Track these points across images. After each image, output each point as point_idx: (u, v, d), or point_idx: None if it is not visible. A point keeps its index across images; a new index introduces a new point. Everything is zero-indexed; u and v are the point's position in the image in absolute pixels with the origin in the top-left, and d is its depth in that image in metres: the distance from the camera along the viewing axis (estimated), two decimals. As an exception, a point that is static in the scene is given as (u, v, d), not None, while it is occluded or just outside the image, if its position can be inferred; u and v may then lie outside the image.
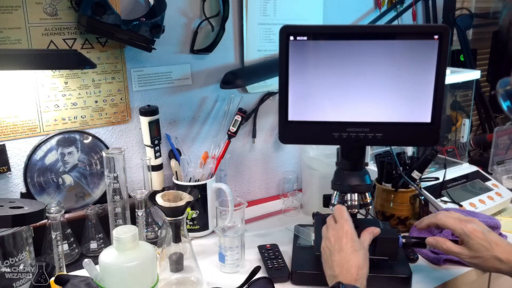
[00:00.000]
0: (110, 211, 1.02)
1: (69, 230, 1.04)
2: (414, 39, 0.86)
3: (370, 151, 1.31)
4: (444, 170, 1.24)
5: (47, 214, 0.91)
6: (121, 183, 1.00)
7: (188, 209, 1.09)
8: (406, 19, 1.63)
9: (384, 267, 0.93)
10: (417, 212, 1.15)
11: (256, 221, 1.28)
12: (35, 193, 1.07)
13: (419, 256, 1.04)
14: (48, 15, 1.02)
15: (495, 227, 1.06)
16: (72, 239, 1.05)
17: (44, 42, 1.02)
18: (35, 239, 0.92)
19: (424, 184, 1.21)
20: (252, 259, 1.04)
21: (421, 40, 0.85)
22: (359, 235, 0.86)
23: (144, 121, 1.14)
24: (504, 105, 0.53)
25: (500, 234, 1.08)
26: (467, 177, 1.33)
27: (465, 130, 1.42)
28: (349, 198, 0.96)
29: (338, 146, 0.98)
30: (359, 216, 1.05)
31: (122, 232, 0.76)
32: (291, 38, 0.86)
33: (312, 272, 0.94)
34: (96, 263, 0.76)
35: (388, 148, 1.19)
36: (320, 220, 1.01)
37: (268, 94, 1.36)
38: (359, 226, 0.91)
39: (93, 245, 1.07)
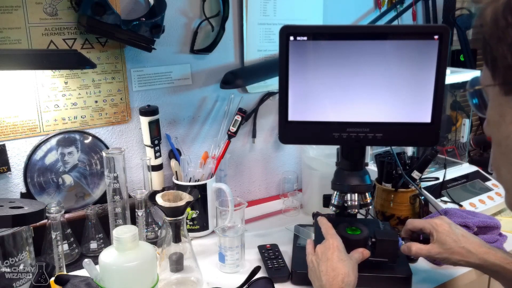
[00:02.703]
0: (110, 211, 1.02)
1: (69, 230, 1.04)
2: (414, 39, 0.86)
3: (370, 151, 1.31)
4: (444, 170, 1.24)
5: (47, 214, 0.91)
6: (121, 183, 1.00)
7: (188, 209, 1.09)
8: (406, 19, 1.63)
9: (384, 267, 0.93)
10: (417, 212, 1.15)
11: (256, 221, 1.28)
12: (35, 193, 1.07)
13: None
14: (48, 15, 1.02)
15: (495, 227, 1.07)
16: (72, 239, 1.05)
17: (44, 42, 1.02)
18: (35, 239, 0.92)
19: (424, 184, 1.21)
20: (252, 259, 1.05)
21: (421, 40, 0.85)
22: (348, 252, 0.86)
23: (144, 121, 1.14)
24: (473, 101, 0.57)
25: (500, 234, 1.08)
26: (467, 177, 1.33)
27: (465, 130, 1.42)
28: (349, 198, 0.96)
29: (338, 146, 0.98)
30: (359, 216, 1.05)
31: (122, 232, 0.76)
32: (291, 38, 0.86)
33: (312, 272, 0.94)
34: (96, 263, 0.76)
35: (388, 148, 1.19)
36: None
37: (268, 94, 1.36)
38: (360, 226, 0.91)
39: (93, 245, 1.07)
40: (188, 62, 1.23)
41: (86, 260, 0.74)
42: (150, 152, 1.16)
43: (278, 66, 0.88)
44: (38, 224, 0.95)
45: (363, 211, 1.03)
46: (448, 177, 1.25)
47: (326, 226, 0.89)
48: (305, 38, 0.87)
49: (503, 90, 0.51)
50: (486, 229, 1.06)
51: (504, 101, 0.52)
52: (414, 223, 0.93)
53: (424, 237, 0.92)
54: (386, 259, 0.91)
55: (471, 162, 1.44)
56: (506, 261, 0.81)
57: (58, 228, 0.93)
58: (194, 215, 1.14)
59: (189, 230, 1.12)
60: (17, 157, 1.05)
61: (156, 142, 1.16)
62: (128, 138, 1.19)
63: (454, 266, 0.88)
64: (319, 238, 0.90)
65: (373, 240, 0.91)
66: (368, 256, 0.88)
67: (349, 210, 0.96)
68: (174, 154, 1.20)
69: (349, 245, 0.88)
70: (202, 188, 1.13)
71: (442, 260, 0.88)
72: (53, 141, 1.07)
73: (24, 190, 1.06)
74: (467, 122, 1.42)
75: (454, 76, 1.29)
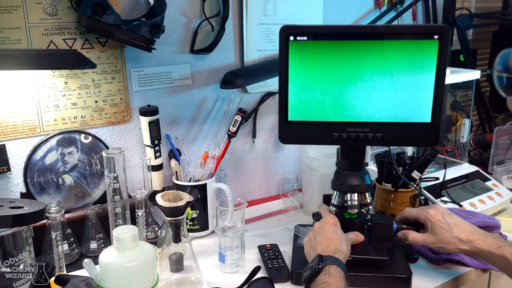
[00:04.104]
0: (110, 211, 1.02)
1: (69, 230, 1.04)
2: (414, 39, 0.86)
3: (370, 151, 1.31)
4: (444, 170, 1.24)
5: (47, 214, 0.91)
6: (121, 183, 1.00)
7: (188, 209, 1.09)
8: (406, 19, 1.63)
9: (384, 267, 0.93)
10: (417, 212, 1.15)
11: (256, 221, 1.28)
12: (35, 193, 1.07)
13: (419, 256, 1.04)
14: (48, 15, 1.02)
15: (495, 227, 1.07)
16: (72, 239, 1.05)
17: (44, 42, 1.02)
18: (35, 239, 0.91)
19: (424, 184, 1.21)
20: (252, 259, 1.05)
21: (421, 40, 0.85)
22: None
23: (144, 121, 1.14)
24: (501, 81, 0.53)
25: (500, 234, 1.08)
26: (467, 177, 1.33)
27: (465, 130, 1.42)
28: (349, 198, 0.96)
29: (338, 146, 0.98)
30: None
31: (122, 232, 0.76)
32: (291, 38, 0.86)
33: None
34: (96, 263, 0.76)
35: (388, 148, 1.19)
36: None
37: (268, 94, 1.36)
38: (373, 221, 0.97)
39: (93, 245, 1.07)
40: (188, 62, 1.23)
41: (86, 260, 0.74)
42: (150, 152, 1.16)
43: (278, 66, 0.88)
44: (38, 224, 0.95)
45: (363, 211, 1.03)
46: (448, 177, 1.25)
47: (324, 208, 0.98)
48: (305, 38, 0.87)
49: None
50: (486, 229, 1.05)
51: None
52: (410, 212, 0.97)
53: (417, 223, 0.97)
54: (382, 240, 0.96)
55: (471, 162, 1.44)
56: (494, 246, 0.85)
57: (58, 228, 0.93)
58: (194, 215, 1.14)
59: (189, 230, 1.12)
60: (17, 157, 1.05)
61: (156, 142, 1.16)
62: (128, 138, 1.19)
63: (451, 253, 0.94)
64: None
65: (369, 224, 0.97)
66: (362, 240, 0.94)
67: (349, 210, 0.96)
68: (174, 154, 1.20)
69: (346, 228, 0.95)
70: (202, 188, 1.13)
71: (437, 249, 0.93)
72: (53, 141, 1.07)
73: (24, 190, 1.06)
74: (467, 122, 1.42)
75: (454, 76, 1.29)
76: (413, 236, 0.93)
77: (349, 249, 0.88)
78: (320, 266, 0.80)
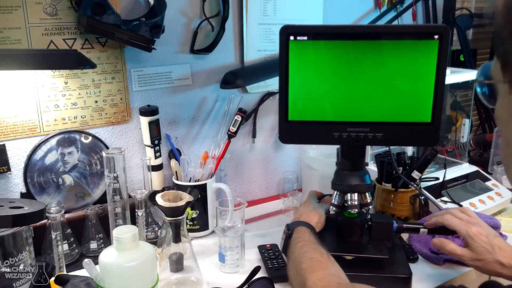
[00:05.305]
0: (110, 211, 1.02)
1: (69, 230, 1.04)
2: (414, 39, 0.86)
3: (370, 151, 1.31)
4: (444, 170, 1.24)
5: (47, 214, 0.91)
6: (121, 183, 1.00)
7: (188, 209, 1.09)
8: (406, 19, 1.63)
9: (384, 267, 0.93)
10: (417, 212, 1.15)
11: (256, 221, 1.28)
12: (35, 193, 1.07)
13: (419, 256, 1.04)
14: (48, 15, 1.02)
15: (495, 227, 1.06)
16: (72, 239, 1.05)
17: (44, 42, 1.02)
18: (35, 239, 0.91)
19: (424, 184, 1.21)
20: (252, 259, 1.04)
21: (421, 40, 0.85)
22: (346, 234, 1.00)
23: (144, 121, 1.14)
24: (481, 91, 0.53)
25: (500, 234, 1.08)
26: (467, 177, 1.33)
27: (465, 130, 1.42)
28: (349, 198, 0.96)
29: (338, 146, 0.98)
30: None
31: (122, 232, 0.76)
32: (291, 38, 0.86)
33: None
34: (96, 263, 0.76)
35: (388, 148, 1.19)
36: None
37: (268, 94, 1.36)
38: (373, 220, 0.97)
39: (93, 245, 1.07)
40: (188, 62, 1.23)
41: (86, 260, 0.74)
42: (150, 152, 1.16)
43: (278, 66, 0.88)
44: (38, 224, 0.95)
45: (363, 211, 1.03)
46: (448, 177, 1.25)
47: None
48: (305, 38, 0.87)
49: None
50: (486, 229, 1.05)
51: None
52: (451, 222, 0.90)
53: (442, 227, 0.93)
54: (382, 239, 0.97)
55: (471, 162, 1.44)
56: None
57: (58, 228, 0.93)
58: (194, 215, 1.14)
59: (189, 230, 1.12)
60: (17, 157, 1.05)
61: (156, 142, 1.16)
62: (128, 138, 1.19)
63: (486, 274, 0.88)
64: None
65: (369, 223, 0.97)
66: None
67: (349, 210, 0.96)
68: (174, 154, 1.20)
69: (347, 227, 0.98)
70: (202, 188, 1.13)
71: (473, 267, 0.88)
72: (53, 141, 1.07)
73: (24, 190, 1.06)
74: (467, 122, 1.42)
75: (454, 76, 1.29)
76: (452, 247, 0.88)
77: (320, 216, 0.99)
78: (289, 231, 0.91)
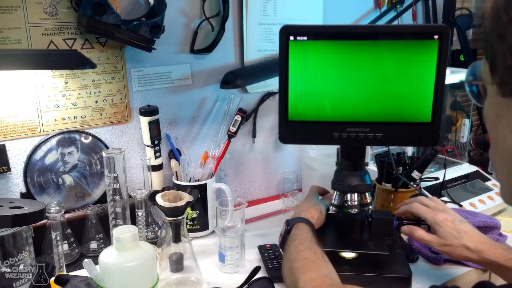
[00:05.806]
0: (110, 211, 1.02)
1: (69, 230, 1.04)
2: (414, 39, 0.86)
3: (370, 151, 1.31)
4: (444, 170, 1.24)
5: (47, 214, 0.91)
6: (121, 183, 1.00)
7: (188, 209, 1.09)
8: (406, 19, 1.63)
9: (384, 266, 0.93)
10: (417, 212, 1.15)
11: (256, 221, 1.28)
12: (35, 193, 1.07)
13: (419, 256, 1.04)
14: (48, 15, 1.02)
15: (495, 227, 1.07)
16: (72, 239, 1.05)
17: (44, 42, 1.02)
18: (35, 239, 0.91)
19: (424, 184, 1.21)
20: (252, 259, 1.04)
21: (421, 40, 0.85)
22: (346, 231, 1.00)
23: (144, 121, 1.14)
24: (470, 90, 0.54)
25: (500, 234, 1.08)
26: (467, 177, 1.33)
27: (465, 130, 1.42)
28: (349, 198, 0.96)
29: (338, 146, 0.98)
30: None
31: (122, 232, 0.76)
32: (291, 38, 0.86)
33: (312, 272, 0.94)
34: (96, 263, 0.76)
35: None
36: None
37: (268, 94, 1.36)
38: (373, 217, 0.97)
39: (93, 245, 1.07)
40: (188, 62, 1.23)
41: (86, 260, 0.74)
42: (150, 152, 1.16)
43: (278, 66, 0.88)
44: (38, 224, 0.95)
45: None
46: (448, 177, 1.25)
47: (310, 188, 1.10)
48: (305, 38, 0.87)
49: (500, 90, 0.48)
50: (486, 229, 1.05)
51: (502, 102, 0.49)
52: (418, 210, 0.93)
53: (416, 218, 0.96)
54: (382, 236, 0.97)
55: (471, 162, 1.44)
56: (504, 258, 0.82)
57: (58, 228, 0.93)
58: (194, 215, 1.14)
59: (189, 230, 1.12)
60: (17, 157, 1.05)
61: (156, 142, 1.16)
62: (128, 138, 1.19)
63: (456, 259, 0.92)
64: None
65: (370, 219, 0.97)
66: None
67: (349, 210, 0.96)
68: (174, 154, 1.20)
69: (347, 224, 0.98)
70: (202, 188, 1.13)
71: (441, 252, 0.90)
72: (53, 141, 1.07)
73: (24, 190, 1.06)
74: (467, 122, 1.42)
75: (454, 76, 1.29)
76: (420, 234, 0.91)
77: (321, 212, 0.98)
78: (288, 227, 0.91)
